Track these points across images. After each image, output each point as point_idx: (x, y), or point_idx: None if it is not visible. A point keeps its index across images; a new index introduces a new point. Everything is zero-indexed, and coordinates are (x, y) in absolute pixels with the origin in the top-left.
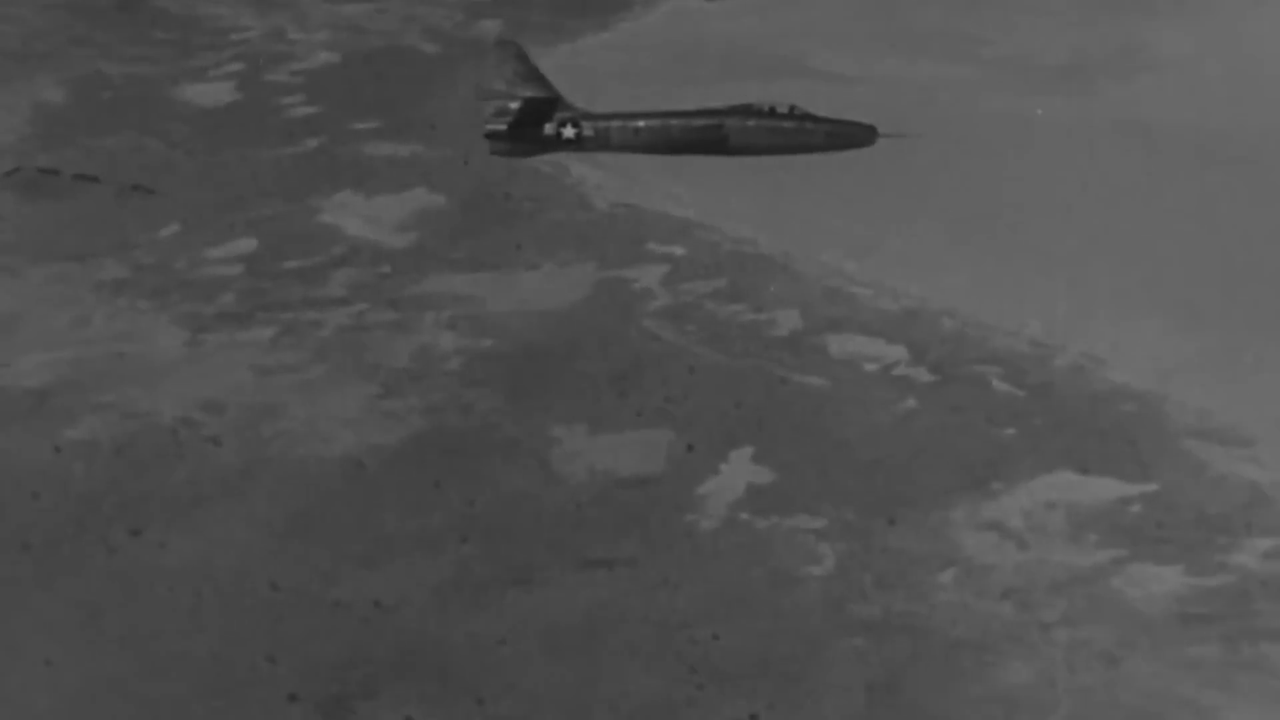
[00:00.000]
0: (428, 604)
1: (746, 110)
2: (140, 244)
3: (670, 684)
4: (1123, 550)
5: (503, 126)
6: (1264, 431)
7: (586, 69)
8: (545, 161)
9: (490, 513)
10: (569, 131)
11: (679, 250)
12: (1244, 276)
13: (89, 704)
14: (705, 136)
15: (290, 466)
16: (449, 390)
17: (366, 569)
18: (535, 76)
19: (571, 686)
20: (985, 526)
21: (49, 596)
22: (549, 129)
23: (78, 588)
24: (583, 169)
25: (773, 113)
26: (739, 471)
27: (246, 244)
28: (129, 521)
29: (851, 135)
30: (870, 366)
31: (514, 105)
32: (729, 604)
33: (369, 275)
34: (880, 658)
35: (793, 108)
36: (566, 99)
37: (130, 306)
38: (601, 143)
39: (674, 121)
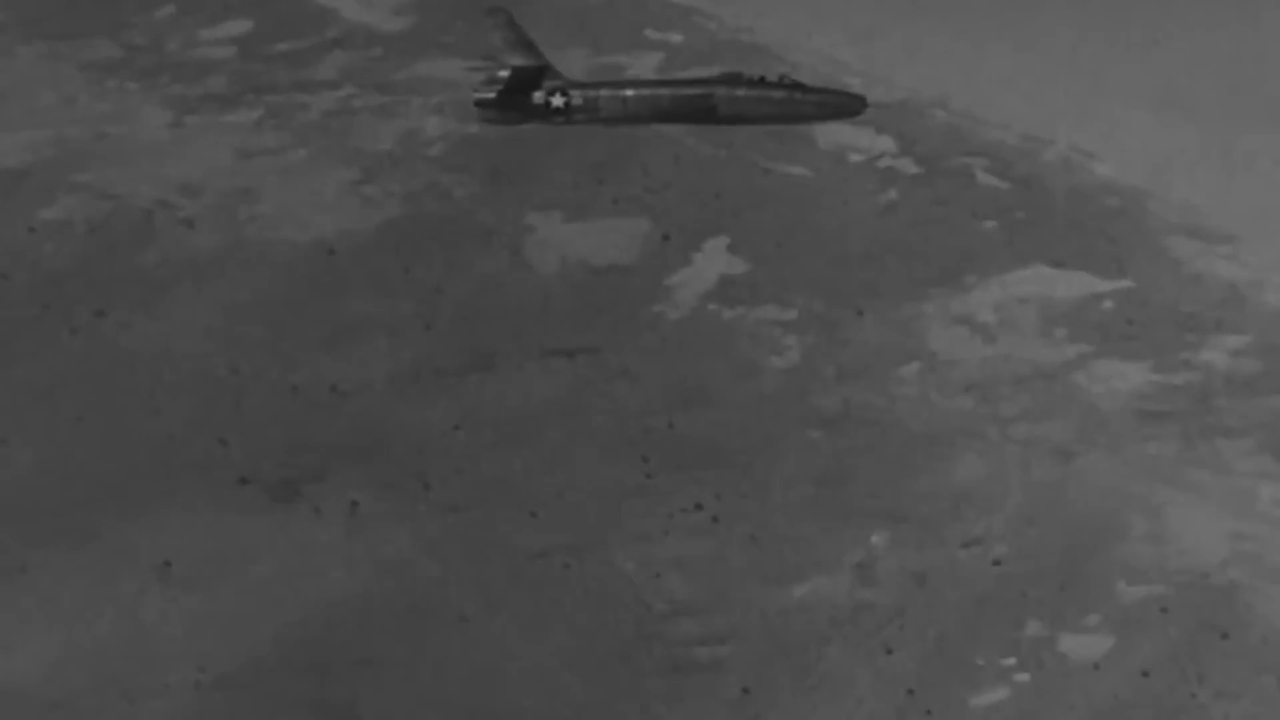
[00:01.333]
0: (385, 390)
1: (736, 79)
2: (134, 24)
3: (621, 472)
4: (1090, 346)
5: (492, 95)
6: (1247, 228)
7: None
8: None
9: (457, 300)
10: (558, 100)
11: (676, 38)
12: (1242, 70)
13: (40, 482)
14: (694, 105)
15: (261, 251)
16: (428, 176)
17: (327, 354)
18: (525, 44)
19: (520, 474)
20: (955, 321)
21: (7, 375)
22: (538, 97)
23: (38, 368)
24: None
25: (762, 81)
26: (712, 262)
27: (241, 25)
28: (95, 303)
29: (841, 105)
30: (856, 158)
31: (503, 74)
32: (688, 394)
33: (360, 59)
34: (834, 449)
35: (782, 76)
36: (555, 67)
37: (119, 87)
38: (590, 111)
39: (663, 90)
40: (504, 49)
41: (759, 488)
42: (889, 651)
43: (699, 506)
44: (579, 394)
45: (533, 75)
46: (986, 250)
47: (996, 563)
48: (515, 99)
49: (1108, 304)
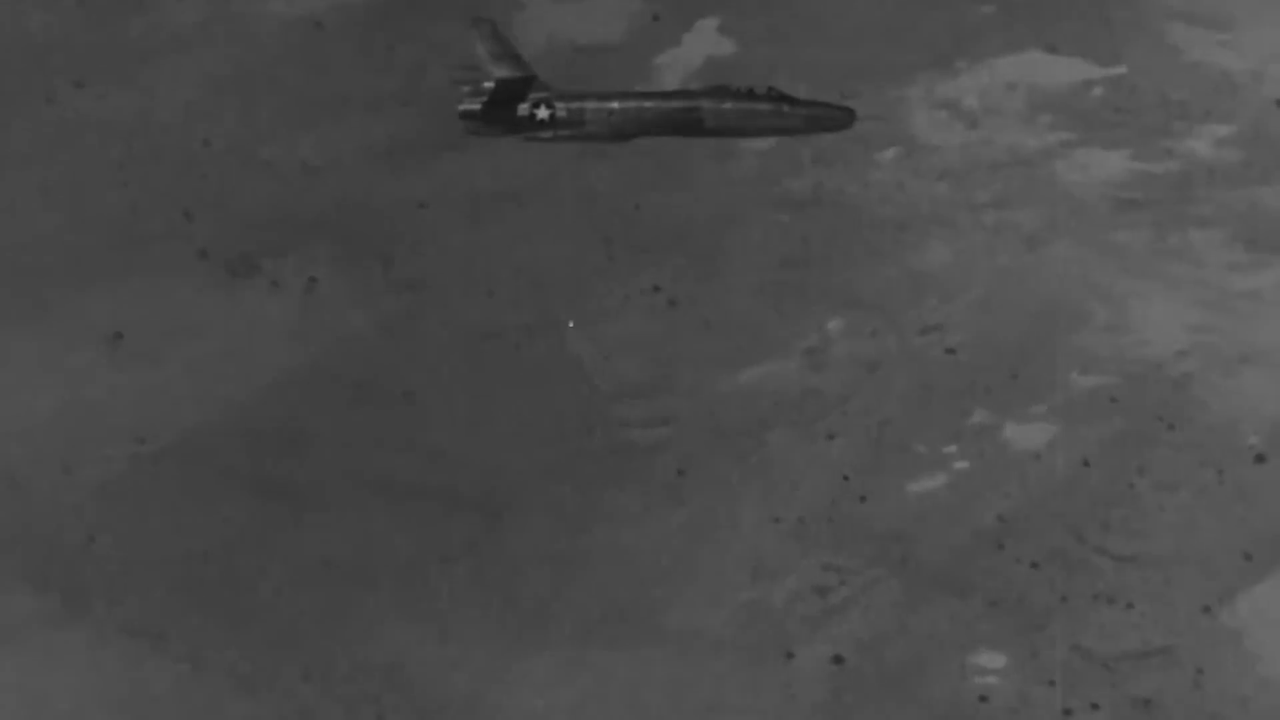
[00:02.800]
0: (355, 166)
1: (723, 91)
2: None
3: (582, 253)
4: (1073, 134)
5: (476, 106)
6: (1247, 14)
7: None
8: None
9: (440, 79)
10: (543, 112)
11: None
12: None
13: None
14: (680, 118)
15: (248, 24)
16: None
17: (303, 130)
18: (511, 55)
19: (481, 253)
20: (939, 105)
21: None
22: (523, 109)
23: (10, 138)
24: None
25: (750, 94)
26: (701, 43)
27: None
28: (75, 73)
29: (830, 118)
30: None
31: (488, 85)
32: (659, 175)
33: None
34: (800, 233)
35: (770, 89)
36: (542, 79)
37: None
38: (575, 125)
39: (648, 103)
40: (489, 60)
41: (719, 271)
42: (830, 438)
43: (657, 289)
44: (549, 175)
45: (518, 87)
46: (980, 34)
47: (950, 351)
48: (500, 111)
49: (1097, 91)
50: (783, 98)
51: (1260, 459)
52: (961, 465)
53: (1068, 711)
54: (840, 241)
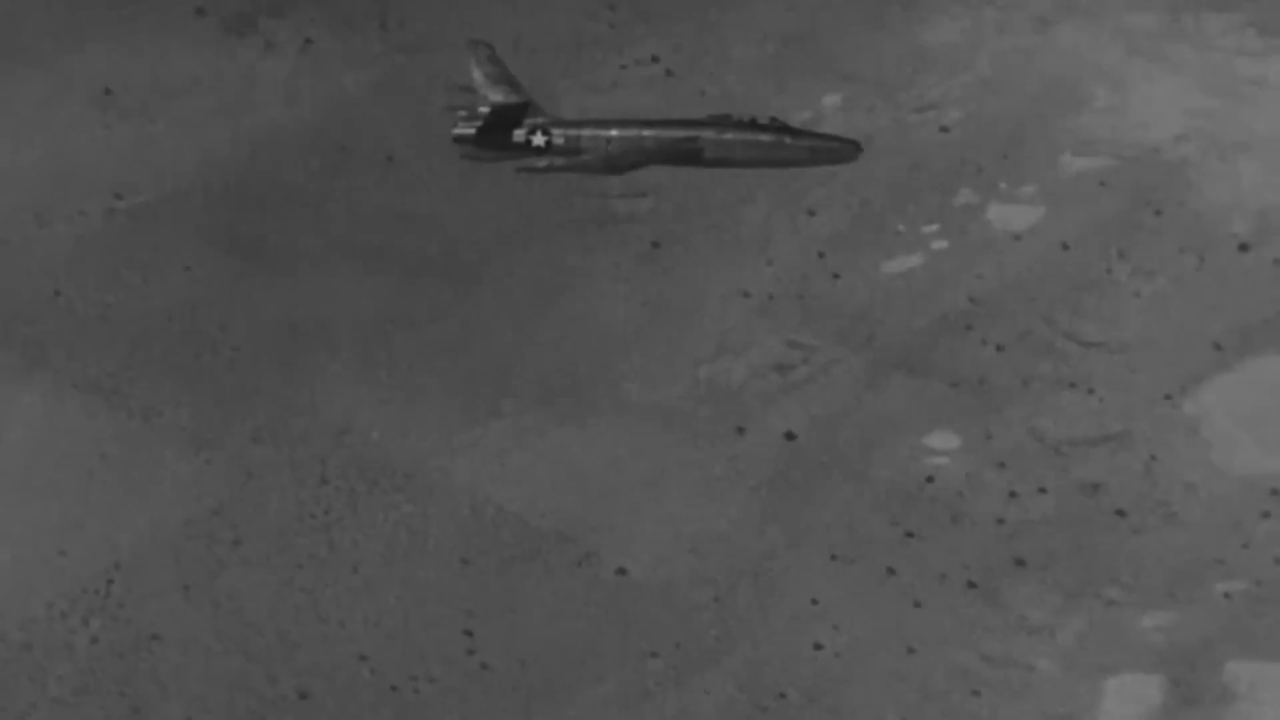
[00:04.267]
0: None
1: (724, 121)
2: None
3: (584, 21)
4: None
5: (471, 131)
6: None
7: None
8: None
9: None
10: (539, 139)
11: None
12: None
13: None
14: (679, 148)
15: None
16: None
17: None
18: (507, 79)
19: (482, 18)
20: None
21: None
22: (518, 135)
23: None
24: None
25: (752, 124)
26: None
27: None
28: None
29: (834, 151)
30: None
31: (484, 109)
32: None
33: None
34: (808, 7)
35: (773, 119)
36: (538, 103)
37: None
38: (572, 151)
39: (647, 132)
40: (486, 84)
41: (721, 43)
42: (811, 214)
43: (655, 59)
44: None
45: (514, 112)
46: None
47: (944, 129)
48: (495, 136)
49: None
50: (785, 129)
51: (1243, 248)
52: (940, 245)
53: (1013, 494)
54: (847, 17)
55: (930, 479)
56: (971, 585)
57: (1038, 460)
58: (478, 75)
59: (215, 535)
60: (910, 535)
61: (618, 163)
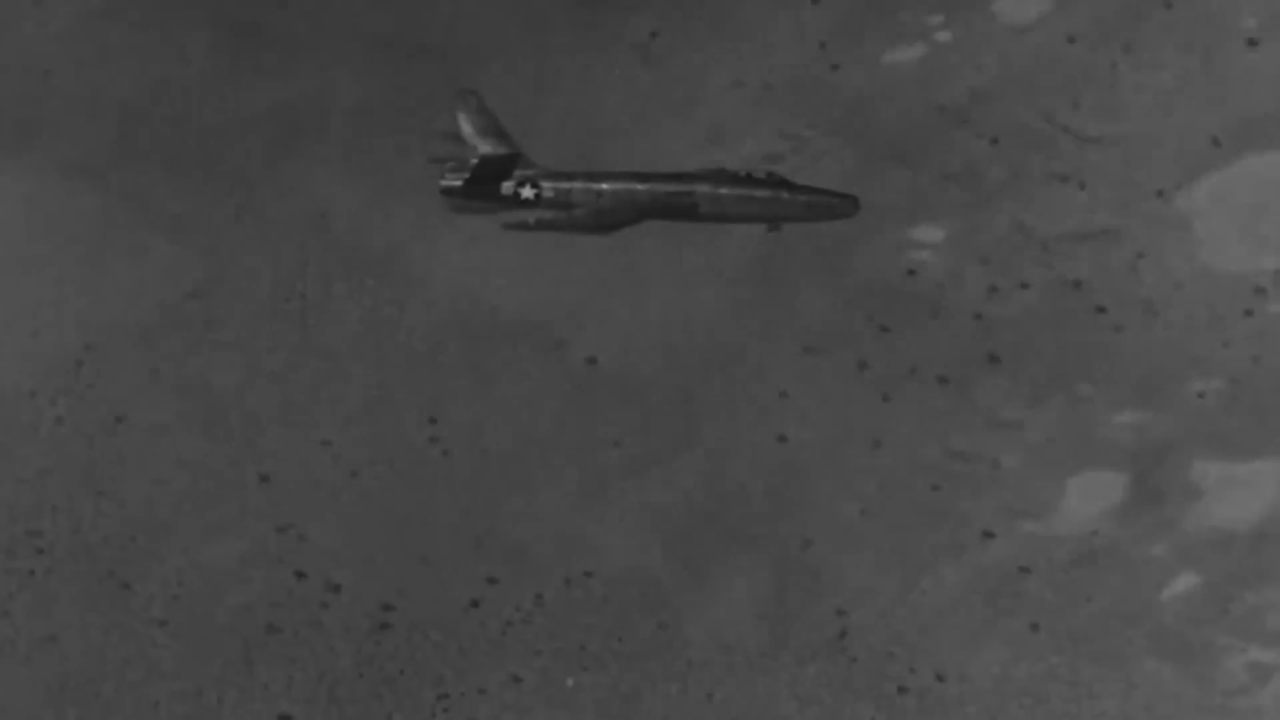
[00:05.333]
0: None
1: (719, 175)
2: None
3: None
4: None
5: (458, 182)
6: None
7: None
8: None
9: None
10: (528, 191)
11: None
12: None
13: None
14: (674, 202)
15: None
16: None
17: None
18: (496, 130)
19: None
20: None
21: None
22: (507, 187)
23: None
24: None
25: (749, 178)
26: None
27: None
28: None
29: (832, 206)
30: None
31: (472, 160)
32: None
33: None
34: None
35: (770, 173)
36: (528, 155)
37: None
38: (562, 204)
39: (639, 186)
40: (474, 135)
41: None
42: (814, 2)
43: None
44: None
45: (503, 164)
46: None
47: None
48: (483, 188)
49: None
50: (782, 183)
51: (1252, 43)
52: (943, 36)
53: (994, 289)
54: None
55: (911, 273)
56: (943, 380)
57: (1022, 255)
58: (466, 126)
59: (189, 319)
60: (885, 329)
61: (609, 219)
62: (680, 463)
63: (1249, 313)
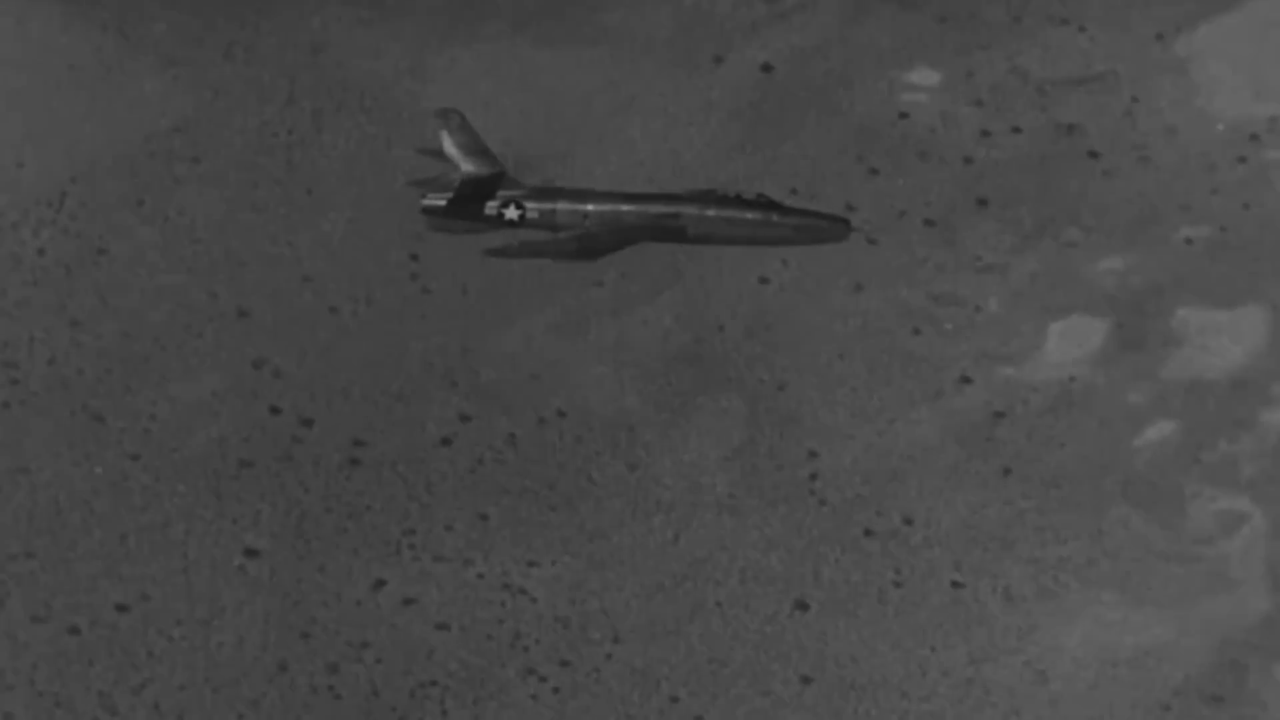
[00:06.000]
0: None
1: (707, 197)
2: None
3: None
4: None
5: (441, 202)
6: None
7: None
8: None
9: None
10: (512, 212)
11: None
12: None
13: None
14: (660, 224)
15: None
16: None
17: None
18: (479, 150)
19: None
20: None
21: None
22: (490, 208)
23: None
24: None
25: (738, 199)
26: None
27: None
28: None
29: (823, 229)
30: None
31: (455, 180)
32: None
33: None
34: None
35: (759, 195)
36: (511, 175)
37: None
38: (547, 225)
39: (626, 207)
40: (457, 154)
41: None
42: None
43: None
44: None
45: (486, 185)
46: None
47: None
48: (467, 208)
49: None
50: (772, 205)
51: None
52: None
53: (986, 133)
54: None
55: (904, 115)
56: (929, 223)
57: (1017, 99)
58: (449, 145)
59: (175, 152)
60: (875, 172)
61: (593, 245)
62: (660, 302)
63: (1242, 159)
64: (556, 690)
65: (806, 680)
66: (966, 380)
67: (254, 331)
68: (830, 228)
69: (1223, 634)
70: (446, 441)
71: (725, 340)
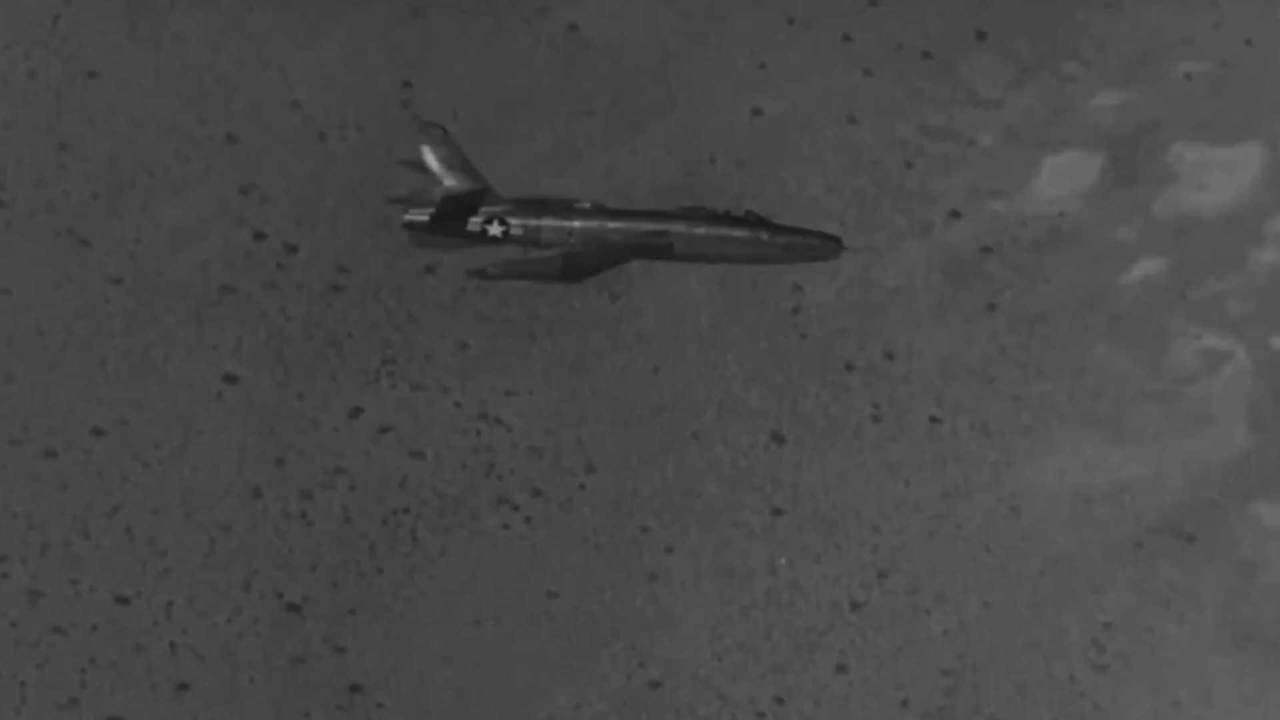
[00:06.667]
0: None
1: (696, 213)
2: None
3: None
4: None
5: (424, 218)
6: None
7: None
8: None
9: None
10: (495, 229)
11: None
12: None
13: None
14: (648, 242)
15: None
16: None
17: None
18: (462, 165)
19: None
20: None
21: None
22: (474, 224)
23: None
24: None
25: (727, 216)
26: None
27: None
28: None
29: (813, 247)
30: None
31: (437, 195)
32: None
33: None
34: None
35: (748, 212)
36: (495, 190)
37: None
38: (531, 242)
39: (612, 224)
40: (440, 169)
41: None
42: None
43: None
44: None
45: (468, 200)
46: None
47: None
48: (449, 223)
49: None
50: (761, 223)
51: None
52: None
53: None
54: None
55: None
56: (927, 55)
57: None
58: (431, 160)
59: None
60: (874, 3)
61: (578, 267)
62: (650, 133)
63: None
64: (529, 519)
65: (778, 512)
66: (956, 215)
67: (242, 157)
68: (821, 246)
69: (1200, 472)
70: (430, 269)
71: (716, 172)
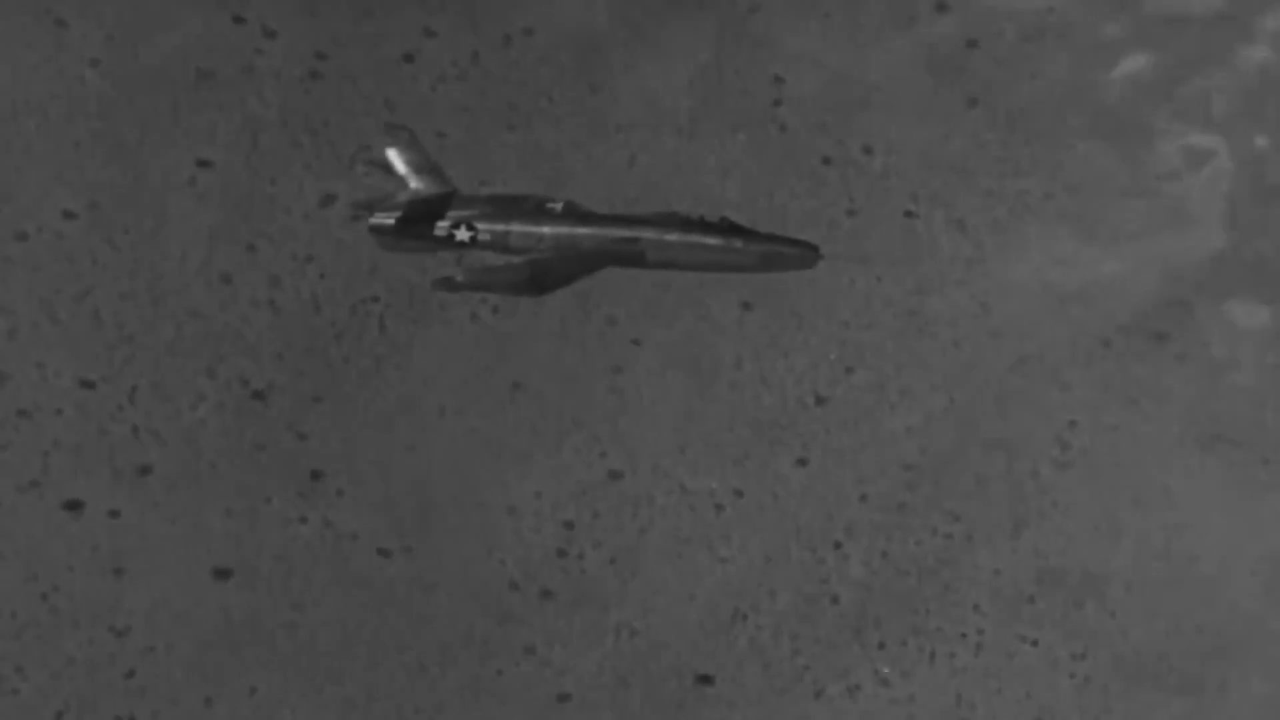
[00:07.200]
0: None
1: (669, 220)
2: None
3: None
4: None
5: (389, 221)
6: None
7: None
8: None
9: None
10: (463, 234)
11: None
12: None
13: None
14: (619, 250)
15: None
16: None
17: None
18: (429, 168)
19: None
20: None
21: None
22: (441, 228)
23: None
24: None
25: (701, 223)
26: None
27: None
28: None
29: (789, 257)
30: None
31: (404, 198)
32: None
33: None
34: None
35: (723, 218)
36: (463, 193)
37: None
38: (500, 247)
39: (583, 230)
40: (406, 171)
41: None
42: None
43: None
44: None
45: (435, 204)
46: None
47: None
48: (416, 228)
49: None
50: (735, 230)
51: None
52: None
53: None
54: None
55: None
56: None
57: None
58: (397, 162)
59: None
60: None
61: (545, 276)
62: None
63: None
64: (496, 310)
65: (747, 306)
66: (942, 8)
67: None
68: (799, 255)
69: (1174, 271)
70: (409, 58)
71: None
